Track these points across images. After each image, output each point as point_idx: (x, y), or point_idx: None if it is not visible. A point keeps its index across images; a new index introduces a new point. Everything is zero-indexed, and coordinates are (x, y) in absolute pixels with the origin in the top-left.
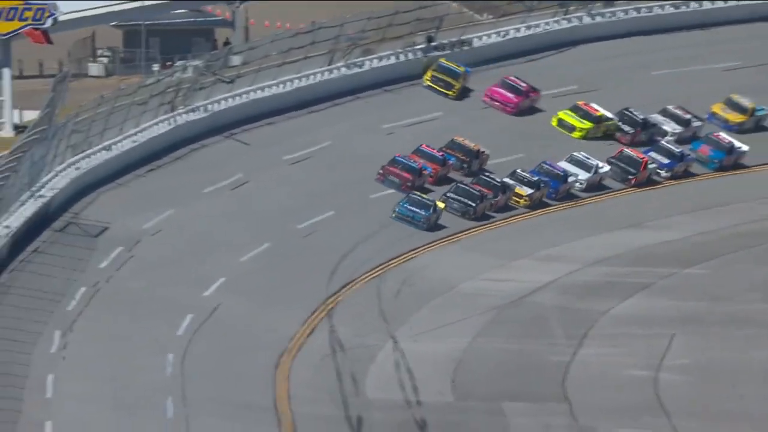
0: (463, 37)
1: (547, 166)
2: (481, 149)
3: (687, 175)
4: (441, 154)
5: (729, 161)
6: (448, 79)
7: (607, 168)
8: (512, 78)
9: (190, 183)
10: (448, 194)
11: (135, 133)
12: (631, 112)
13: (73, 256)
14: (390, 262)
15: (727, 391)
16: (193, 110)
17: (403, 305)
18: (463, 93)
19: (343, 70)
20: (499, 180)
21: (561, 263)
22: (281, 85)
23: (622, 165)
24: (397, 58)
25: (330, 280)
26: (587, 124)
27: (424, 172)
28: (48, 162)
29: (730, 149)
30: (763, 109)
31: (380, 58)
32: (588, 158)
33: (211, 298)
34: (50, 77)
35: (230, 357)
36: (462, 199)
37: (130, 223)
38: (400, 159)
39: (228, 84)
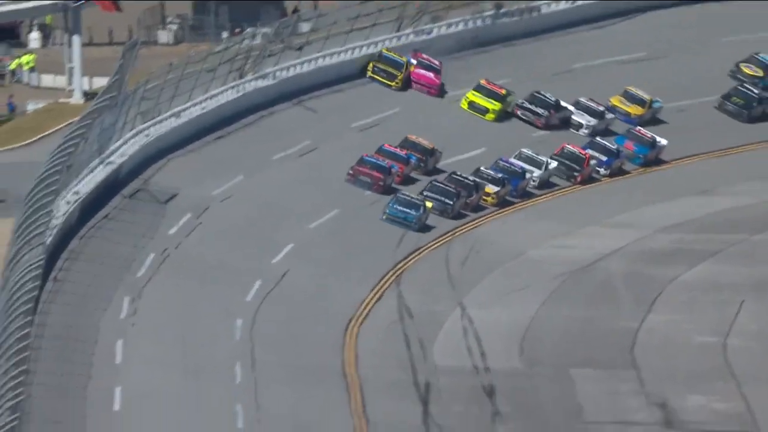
0: (531, 4)
1: (503, 163)
2: (435, 147)
3: (621, 172)
4: (405, 152)
5: (652, 156)
6: (391, 70)
7: (555, 164)
8: (423, 55)
9: (258, 150)
10: (425, 193)
11: (204, 100)
12: (542, 94)
13: (143, 223)
14: (457, 230)
15: None
16: (261, 77)
17: (470, 272)
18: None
19: (411, 37)
20: (471, 179)
21: (630, 230)
22: (349, 52)
23: (567, 162)
24: (465, 24)
25: (398, 247)
26: (497, 105)
27: (392, 171)
28: (117, 129)
29: (653, 144)
30: (658, 102)
31: (448, 25)
32: (537, 155)
33: (279, 265)
34: (120, 45)
35: (298, 323)
36: (439, 197)
37: (199, 190)
38: (368, 159)
39: (296, 51)
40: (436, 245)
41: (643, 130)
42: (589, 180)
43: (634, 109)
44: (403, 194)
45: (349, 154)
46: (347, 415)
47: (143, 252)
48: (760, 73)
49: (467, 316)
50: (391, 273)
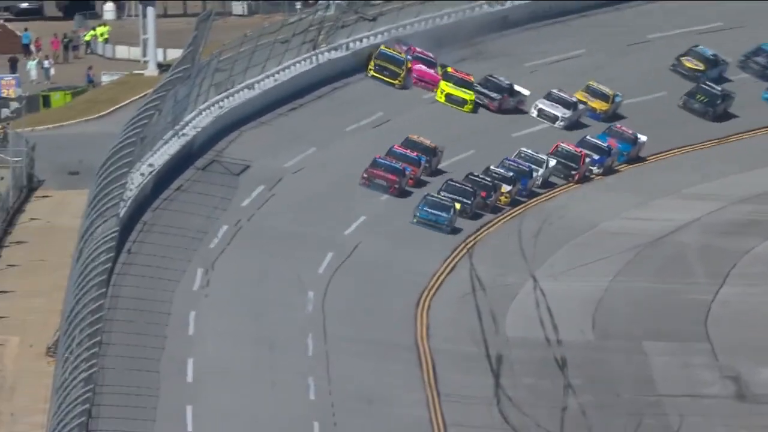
0: None
1: (510, 162)
2: (438, 146)
3: (612, 170)
4: (416, 154)
5: (634, 153)
6: (393, 67)
7: (554, 162)
8: (417, 48)
9: (331, 122)
10: (441, 193)
11: (277, 72)
12: (495, 78)
13: (216, 195)
14: (530, 202)
15: None
16: (335, 48)
17: (543, 245)
18: None
19: (485, 8)
20: (488, 179)
21: (704, 201)
22: (422, 23)
23: (563, 160)
24: None
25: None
26: (471, 94)
27: (406, 173)
28: (191, 100)
29: (635, 140)
30: (619, 96)
31: None
32: (536, 153)
33: (351, 237)
34: (194, 16)
35: (370, 295)
36: (456, 197)
37: (272, 162)
38: (381, 161)
39: (370, 22)
40: (508, 218)
41: (623, 126)
42: (583, 179)
43: (599, 104)
44: (432, 196)
45: (422, 126)
46: (419, 388)
47: (216, 224)
48: (702, 67)
49: (539, 288)
50: (463, 245)
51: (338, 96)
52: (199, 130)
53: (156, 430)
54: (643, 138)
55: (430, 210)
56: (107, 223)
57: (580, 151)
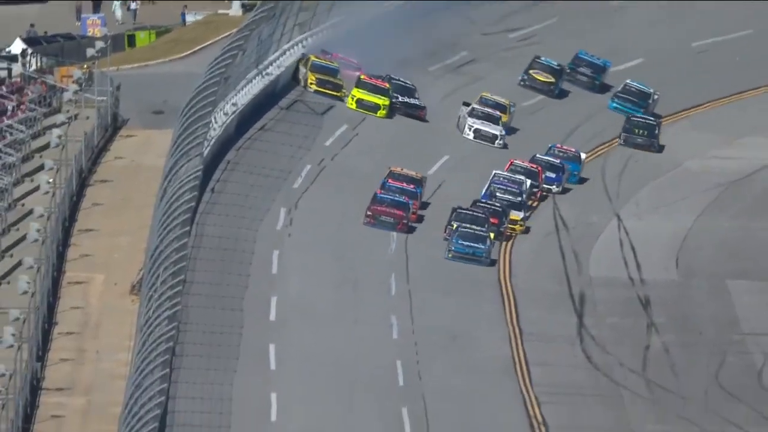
0: None
1: (506, 182)
2: (422, 175)
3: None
4: (412, 186)
5: (581, 172)
6: (333, 79)
7: (529, 183)
8: (339, 54)
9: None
10: (453, 223)
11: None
12: (398, 80)
13: (299, 134)
14: (614, 140)
15: None
16: None
17: (627, 184)
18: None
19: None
20: (498, 204)
21: None
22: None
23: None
24: None
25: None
26: (387, 100)
27: (410, 206)
28: (275, 40)
29: (578, 157)
30: (513, 106)
31: None
32: (513, 175)
33: (435, 176)
34: None
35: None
36: (470, 226)
37: None
38: (383, 196)
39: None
40: (592, 157)
41: (564, 146)
42: (541, 198)
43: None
44: (464, 227)
45: (508, 66)
46: (502, 326)
47: (299, 163)
48: (553, 79)
49: (623, 227)
50: None
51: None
52: (282, 69)
53: (239, 367)
54: (583, 155)
55: (465, 243)
56: (191, 162)
57: (537, 167)
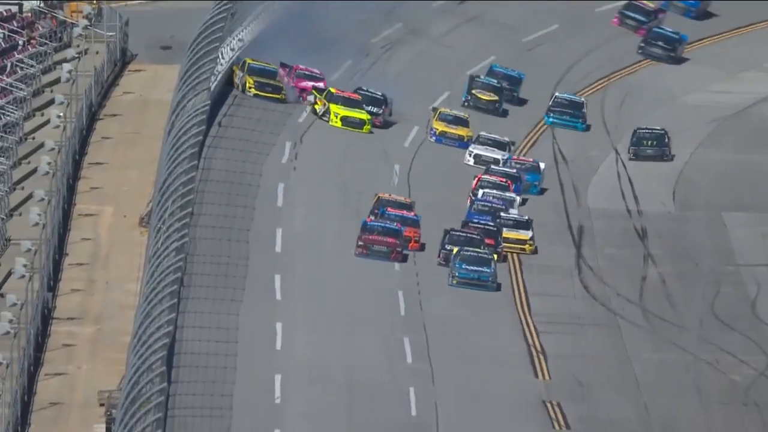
0: None
1: (483, 203)
2: (411, 201)
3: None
4: (413, 213)
5: (541, 182)
6: (272, 82)
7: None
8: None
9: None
10: (447, 246)
11: None
12: (367, 91)
13: None
14: (613, 75)
15: None
16: None
17: (625, 118)
18: None
19: None
20: (492, 224)
21: None
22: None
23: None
24: None
25: (553, 91)
26: (365, 113)
27: (402, 233)
28: None
29: (538, 167)
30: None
31: None
32: (503, 193)
33: (441, 104)
34: None
35: (454, 166)
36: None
37: (361, 36)
38: (373, 224)
39: None
40: (591, 91)
41: (521, 157)
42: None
43: (464, 131)
44: (466, 251)
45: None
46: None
47: (344, 54)
48: (496, 97)
49: (621, 160)
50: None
51: None
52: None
53: (245, 298)
54: (542, 165)
55: (470, 267)
56: (198, 96)
57: (506, 181)
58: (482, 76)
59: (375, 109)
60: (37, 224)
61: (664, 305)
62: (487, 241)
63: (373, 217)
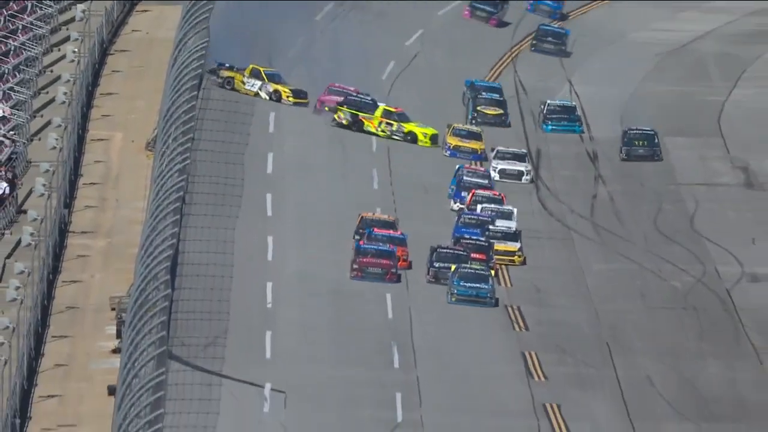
0: None
1: (480, 213)
2: (394, 218)
3: None
4: (399, 232)
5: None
6: (300, 88)
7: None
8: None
9: None
10: (436, 265)
11: None
12: (357, 96)
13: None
14: (570, 13)
15: None
16: None
17: (578, 53)
18: None
19: None
20: (482, 239)
21: (722, 14)
22: None
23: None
24: None
25: (515, 30)
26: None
27: (395, 254)
28: None
29: (489, 176)
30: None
31: None
32: (500, 207)
33: (411, 47)
34: None
35: (430, 95)
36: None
37: None
38: (367, 247)
39: None
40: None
41: (473, 165)
42: None
43: (477, 144)
44: (463, 268)
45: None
46: None
47: (294, 33)
48: (501, 111)
49: (575, 91)
50: (508, 54)
51: None
52: None
53: (240, 214)
54: (495, 174)
55: (468, 284)
56: (198, 34)
57: (500, 194)
58: (484, 93)
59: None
60: (54, 148)
61: (613, 221)
62: (477, 256)
63: (365, 240)
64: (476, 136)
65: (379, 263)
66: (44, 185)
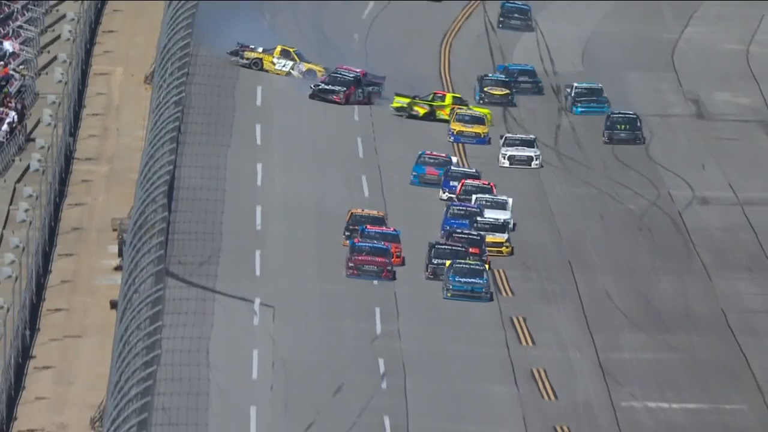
0: None
1: (468, 204)
2: (383, 213)
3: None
4: (393, 229)
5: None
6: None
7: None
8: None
9: None
10: (435, 261)
11: None
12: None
13: None
14: None
15: None
16: None
17: None
18: None
19: None
20: (475, 233)
21: None
22: None
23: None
24: None
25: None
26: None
27: (390, 251)
28: None
29: (450, 162)
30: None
31: None
32: (495, 197)
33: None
34: None
35: (404, 37)
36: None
37: None
38: (362, 244)
39: None
40: None
41: (433, 152)
42: None
43: (481, 128)
44: (458, 263)
45: None
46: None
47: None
48: (507, 91)
49: (540, 29)
50: None
51: None
52: None
53: (231, 143)
54: (454, 159)
55: (463, 280)
56: None
57: (489, 183)
58: (491, 74)
59: (340, 88)
60: (60, 81)
61: (575, 148)
62: (471, 250)
63: (359, 238)
64: (479, 121)
65: (374, 261)
66: (51, 115)
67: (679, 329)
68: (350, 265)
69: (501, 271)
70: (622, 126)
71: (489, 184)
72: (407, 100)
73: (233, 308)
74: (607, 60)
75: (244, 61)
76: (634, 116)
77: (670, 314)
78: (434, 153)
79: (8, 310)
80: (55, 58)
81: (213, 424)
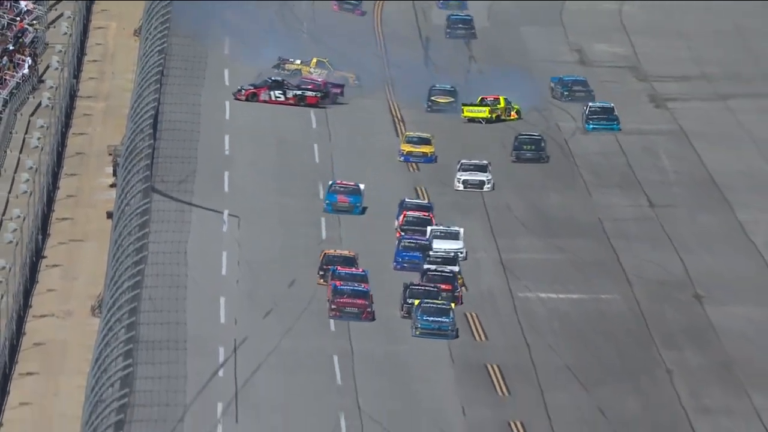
0: None
1: (418, 237)
2: (354, 253)
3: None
4: (362, 270)
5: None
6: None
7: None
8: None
9: None
10: (408, 300)
11: None
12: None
13: None
14: None
15: None
16: None
17: None
18: None
19: None
20: (449, 269)
21: None
22: None
23: (416, 227)
24: None
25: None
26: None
27: (369, 293)
28: None
29: (358, 189)
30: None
31: None
32: (449, 228)
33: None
34: None
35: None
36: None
37: None
38: (344, 288)
39: None
40: None
41: (342, 181)
42: None
43: (428, 149)
44: (426, 303)
45: None
46: (378, 60)
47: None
48: (452, 99)
49: None
50: None
51: None
52: None
53: (205, 84)
54: (362, 186)
55: (430, 318)
56: None
57: (428, 214)
58: (438, 84)
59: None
60: (65, 33)
61: (483, 89)
62: (443, 287)
63: (329, 278)
64: (426, 142)
65: (355, 303)
66: (58, 62)
67: (565, 234)
68: (332, 307)
69: (422, 188)
70: (528, 147)
71: (429, 215)
72: (486, 109)
73: (206, 218)
74: (507, 16)
75: (286, 73)
76: (539, 137)
77: (559, 222)
78: (344, 182)
79: (24, 219)
80: (61, 15)
81: (190, 311)
